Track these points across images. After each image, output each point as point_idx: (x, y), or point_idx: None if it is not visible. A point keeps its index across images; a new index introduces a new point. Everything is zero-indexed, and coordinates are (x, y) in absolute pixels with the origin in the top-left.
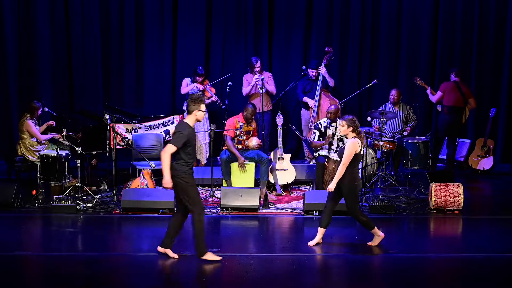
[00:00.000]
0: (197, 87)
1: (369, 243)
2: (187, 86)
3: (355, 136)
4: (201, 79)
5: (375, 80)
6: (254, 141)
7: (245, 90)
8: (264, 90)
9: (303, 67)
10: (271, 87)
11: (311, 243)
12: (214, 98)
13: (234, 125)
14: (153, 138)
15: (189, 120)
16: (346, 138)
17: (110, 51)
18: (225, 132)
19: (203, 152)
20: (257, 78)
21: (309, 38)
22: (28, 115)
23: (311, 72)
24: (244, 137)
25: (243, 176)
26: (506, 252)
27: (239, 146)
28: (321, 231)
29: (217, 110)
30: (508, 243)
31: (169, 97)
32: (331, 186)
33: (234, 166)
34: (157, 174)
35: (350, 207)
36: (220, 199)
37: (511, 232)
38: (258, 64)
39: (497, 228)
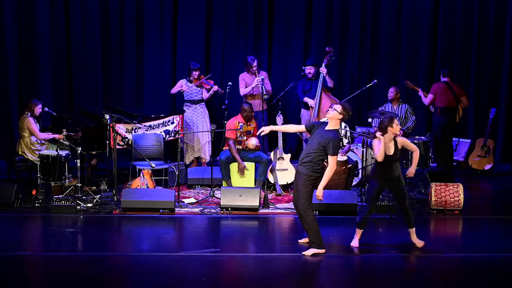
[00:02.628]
0: (183, 89)
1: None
2: (180, 87)
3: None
4: (197, 73)
5: (375, 80)
6: (253, 141)
7: (244, 91)
8: (268, 96)
9: (303, 67)
10: (268, 87)
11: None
12: (215, 88)
13: (234, 126)
14: (153, 138)
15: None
16: (346, 138)
17: (110, 51)
18: (227, 135)
19: (206, 151)
20: (258, 81)
21: (309, 38)
22: (27, 112)
23: (307, 69)
24: (245, 137)
25: (243, 176)
26: (506, 252)
27: (240, 147)
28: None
29: (217, 110)
30: (508, 243)
31: (169, 97)
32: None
33: (234, 166)
34: (157, 174)
35: (402, 197)
36: (220, 199)
37: (511, 232)
38: (255, 63)
39: (497, 228)
